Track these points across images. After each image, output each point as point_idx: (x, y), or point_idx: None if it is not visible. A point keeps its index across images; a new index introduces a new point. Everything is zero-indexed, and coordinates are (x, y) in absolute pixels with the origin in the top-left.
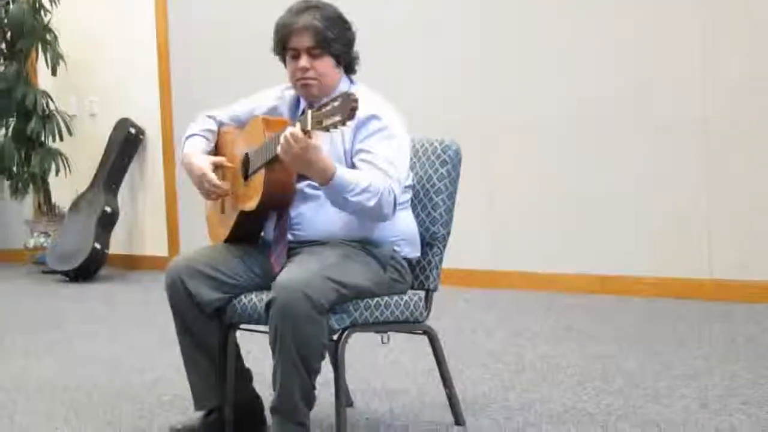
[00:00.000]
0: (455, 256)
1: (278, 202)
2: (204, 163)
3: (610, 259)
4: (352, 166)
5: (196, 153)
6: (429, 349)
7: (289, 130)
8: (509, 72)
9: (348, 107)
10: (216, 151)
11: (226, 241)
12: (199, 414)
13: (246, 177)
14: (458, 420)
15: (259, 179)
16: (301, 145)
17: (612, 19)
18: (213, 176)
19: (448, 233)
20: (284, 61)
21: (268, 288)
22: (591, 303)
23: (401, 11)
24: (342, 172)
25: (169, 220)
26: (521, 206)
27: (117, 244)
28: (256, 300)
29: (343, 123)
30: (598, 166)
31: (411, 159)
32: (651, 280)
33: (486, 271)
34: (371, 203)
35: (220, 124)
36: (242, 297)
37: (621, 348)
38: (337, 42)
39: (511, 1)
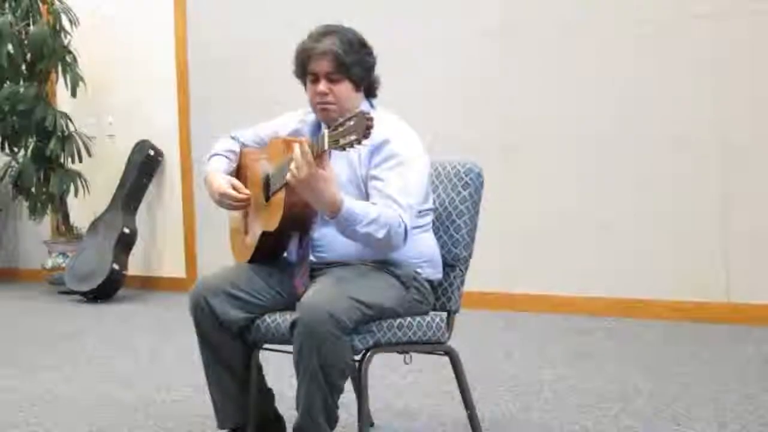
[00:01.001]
0: (473, 277)
1: (299, 222)
2: (224, 182)
3: (628, 283)
4: (367, 192)
5: (218, 173)
6: (448, 370)
7: (297, 152)
8: (528, 91)
9: (363, 126)
10: (238, 171)
11: (250, 261)
12: None
13: (267, 198)
14: None
15: (279, 200)
16: (308, 171)
17: (629, 38)
18: (233, 192)
19: (470, 255)
20: (305, 84)
21: (291, 308)
22: (609, 326)
23: (419, 30)
24: (350, 204)
25: (187, 242)
26: (540, 228)
27: (135, 265)
28: (279, 320)
29: (359, 141)
30: (618, 187)
31: (433, 182)
32: (669, 304)
33: (504, 294)
34: (380, 235)
35: (243, 146)
36: (266, 317)
37: (639, 370)
38: (356, 66)
39: (530, 19)
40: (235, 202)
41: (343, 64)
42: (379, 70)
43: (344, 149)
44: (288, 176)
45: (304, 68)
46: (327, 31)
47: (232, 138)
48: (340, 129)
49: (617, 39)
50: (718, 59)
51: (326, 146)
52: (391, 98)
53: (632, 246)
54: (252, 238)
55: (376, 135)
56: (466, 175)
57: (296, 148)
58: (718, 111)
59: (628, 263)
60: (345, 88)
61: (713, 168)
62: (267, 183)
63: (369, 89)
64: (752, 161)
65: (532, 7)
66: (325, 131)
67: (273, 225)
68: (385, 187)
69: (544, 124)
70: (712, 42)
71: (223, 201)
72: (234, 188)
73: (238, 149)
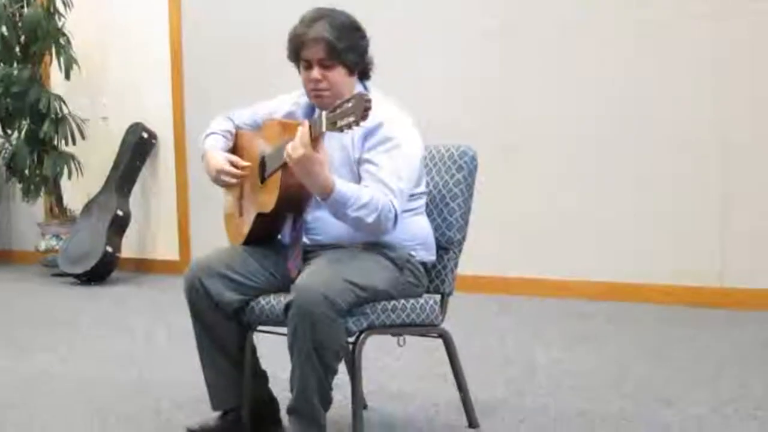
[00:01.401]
0: (468, 261)
1: (294, 204)
2: (221, 158)
3: (622, 267)
4: (360, 174)
5: (215, 150)
6: (441, 353)
7: (298, 135)
8: (527, 80)
9: (361, 107)
10: (233, 152)
11: (244, 243)
12: (216, 414)
13: (262, 180)
14: (472, 423)
15: (275, 182)
16: (304, 152)
17: (630, 36)
18: (230, 168)
19: (464, 238)
20: (299, 68)
21: (286, 290)
22: (603, 310)
23: (418, 14)
24: (341, 187)
25: (180, 224)
26: (535, 212)
27: (128, 248)
28: (274, 302)
29: (357, 123)
30: (614, 173)
31: (427, 165)
32: (663, 288)
33: (498, 277)
34: (370, 219)
35: (238, 127)
36: (260, 299)
37: (633, 354)
38: (349, 52)
39: (530, 19)
40: (232, 177)
41: (335, 50)
42: (378, 70)
43: (342, 131)
44: (284, 156)
45: (297, 54)
46: (318, 16)
47: (228, 119)
48: (338, 111)
49: (617, 39)
50: (718, 59)
51: (324, 128)
52: (388, 84)
53: (628, 231)
54: (247, 220)
55: (370, 118)
56: (460, 158)
57: (299, 129)
58: (718, 111)
59: (623, 248)
60: (338, 74)
61: (713, 167)
62: (262, 165)
63: (363, 72)
64: (752, 161)
65: (532, 7)
66: (323, 113)
67: (269, 206)
68: (378, 171)
69: (544, 121)
70: (712, 42)
71: (220, 177)
72: (231, 164)
73: (234, 129)
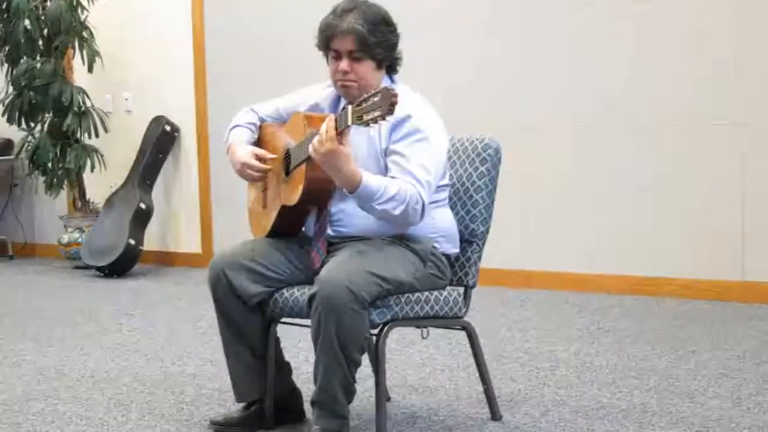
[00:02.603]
0: (490, 255)
1: (319, 197)
2: (246, 152)
3: (643, 261)
4: (386, 165)
5: (241, 143)
6: (463, 346)
7: (323, 129)
8: (546, 69)
9: (388, 102)
10: (258, 144)
11: (268, 235)
12: (239, 406)
13: (287, 172)
14: (494, 415)
15: (300, 174)
16: (330, 146)
17: (648, 21)
18: (255, 162)
19: (487, 230)
20: (327, 58)
21: (309, 282)
22: (624, 304)
23: (439, 10)
24: (369, 181)
25: (202, 217)
26: (556, 206)
27: (151, 241)
28: (297, 294)
29: (383, 117)
30: (635, 166)
31: (450, 157)
32: (684, 282)
33: (519, 271)
34: (397, 211)
35: (262, 119)
36: (284, 291)
37: (654, 347)
38: (379, 46)
39: (548, 3)
40: (257, 172)
41: (365, 43)
42: (399, 49)
43: (368, 125)
44: (310, 150)
45: (326, 44)
46: (351, 7)
47: (252, 111)
48: (365, 105)
49: (636, 19)
50: (738, 38)
51: (350, 121)
52: (409, 78)
53: (649, 224)
54: (271, 213)
55: (398, 110)
56: (483, 151)
57: (324, 124)
58: (739, 104)
59: (644, 242)
60: (367, 67)
61: (734, 161)
62: (287, 157)
63: (391, 66)
64: None
65: None
66: (349, 107)
67: (293, 199)
68: (405, 163)
69: (563, 104)
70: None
71: (244, 171)
72: (257, 158)
73: (258, 122)
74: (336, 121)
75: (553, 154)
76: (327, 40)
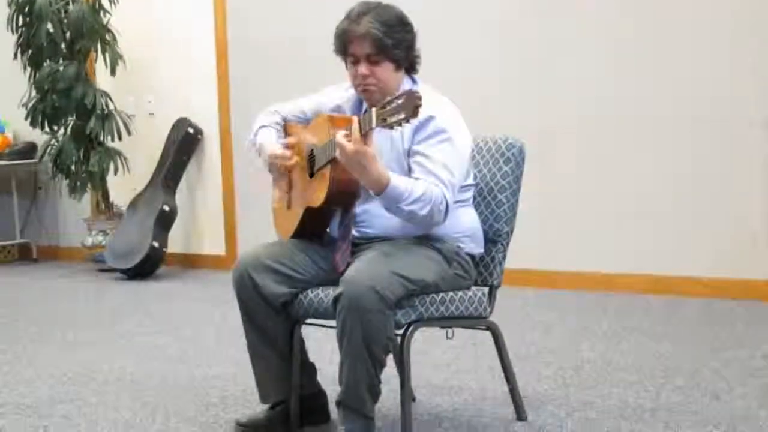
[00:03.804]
0: (513, 255)
1: (343, 198)
2: (275, 146)
3: (666, 260)
4: (410, 166)
5: (271, 143)
6: (488, 346)
7: (344, 132)
8: (566, 71)
9: (412, 105)
10: None
11: (293, 236)
12: (264, 407)
13: (311, 174)
14: (520, 415)
15: (324, 176)
16: (356, 147)
17: (669, 20)
18: (282, 151)
19: (512, 230)
20: (346, 62)
21: (334, 283)
22: (648, 303)
23: (457, 11)
24: (396, 182)
25: (226, 219)
26: (579, 206)
27: (175, 243)
28: (322, 295)
29: (407, 120)
30: (656, 166)
31: (474, 157)
32: (708, 282)
33: (543, 271)
34: (423, 212)
35: (285, 119)
36: (308, 292)
37: (679, 347)
38: (396, 47)
39: (567, 3)
40: (284, 160)
41: (383, 45)
42: (421, 48)
43: (392, 127)
44: (337, 152)
45: (344, 49)
46: (366, 10)
47: (275, 111)
48: (389, 107)
49: (655, 18)
50: (760, 38)
51: (374, 124)
52: (428, 79)
53: (671, 224)
54: (296, 214)
55: (421, 111)
56: (507, 150)
57: (352, 125)
58: (757, 91)
59: (667, 241)
60: (386, 69)
61: (753, 147)
62: (311, 158)
63: (410, 66)
64: None
65: None
66: (373, 109)
67: (318, 200)
68: (429, 164)
69: (582, 105)
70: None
71: (274, 163)
72: (287, 146)
73: (282, 122)
74: (360, 123)
75: (574, 154)
76: (344, 45)
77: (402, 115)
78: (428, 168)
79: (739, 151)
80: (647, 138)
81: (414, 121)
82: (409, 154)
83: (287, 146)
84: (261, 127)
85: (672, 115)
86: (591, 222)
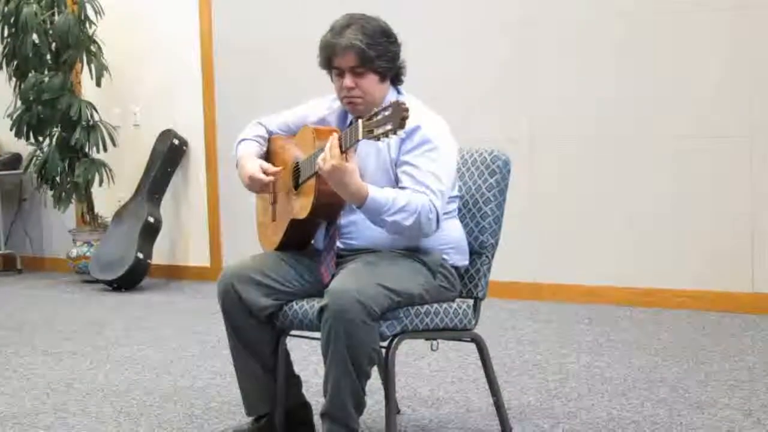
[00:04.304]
0: (498, 267)
1: (329, 210)
2: (254, 165)
3: (651, 272)
4: (396, 176)
5: (249, 156)
6: (472, 358)
7: (327, 147)
8: (551, 81)
9: (399, 116)
10: (267, 157)
11: (277, 249)
12: (249, 419)
13: (296, 186)
14: (504, 428)
15: (309, 188)
16: (335, 163)
17: (670, 33)
18: (261, 176)
19: (497, 242)
20: (331, 76)
21: (319, 295)
22: (633, 315)
23: (438, 24)
24: (375, 194)
25: (211, 231)
26: (564, 219)
27: (160, 255)
28: (307, 306)
29: (394, 132)
30: (641, 179)
31: (460, 169)
32: (693, 293)
33: (528, 283)
34: (408, 222)
35: (270, 132)
36: (294, 304)
37: (664, 359)
38: (380, 59)
39: (549, 13)
40: (264, 185)
41: (367, 57)
42: (405, 60)
43: (378, 139)
44: (317, 166)
45: (328, 62)
46: (349, 23)
47: (260, 124)
48: (375, 119)
49: (656, 32)
50: (749, 52)
51: (360, 135)
52: (410, 89)
53: (656, 236)
54: (280, 226)
55: (407, 122)
56: (492, 162)
57: (329, 141)
58: (751, 112)
59: (655, 253)
60: (371, 81)
61: (739, 159)
62: (296, 171)
63: (395, 77)
64: None
65: (550, 2)
66: (360, 121)
67: (303, 212)
68: (418, 174)
69: (566, 117)
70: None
71: (252, 185)
72: (263, 171)
73: (266, 135)
74: (341, 139)
75: (561, 166)
76: (328, 59)
77: (389, 127)
78: (417, 178)
79: (724, 163)
80: (632, 152)
81: (401, 134)
82: (397, 164)
83: (264, 171)
84: (242, 141)
85: (655, 129)
86: (575, 234)
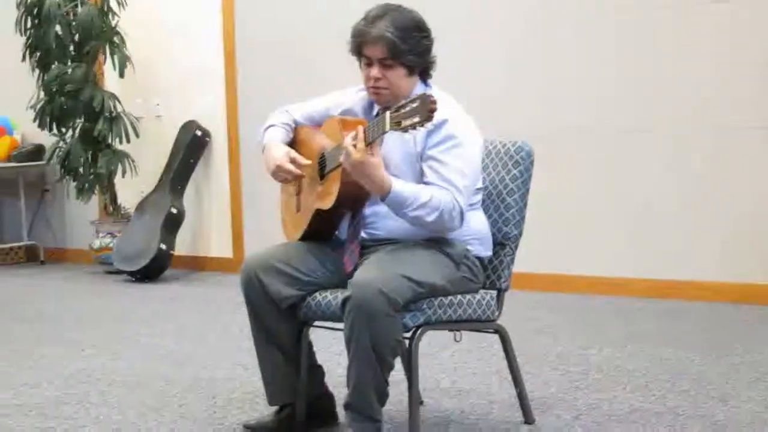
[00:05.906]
0: (521, 259)
1: (353, 201)
2: (282, 153)
3: (673, 264)
4: (421, 169)
5: (276, 143)
6: (495, 349)
7: (350, 141)
8: (571, 73)
9: (426, 109)
10: (292, 145)
11: (301, 238)
12: (272, 410)
13: (322, 176)
14: (527, 419)
15: (334, 178)
16: (359, 157)
17: (682, 27)
18: (289, 166)
19: (520, 233)
20: (360, 63)
21: (342, 285)
22: (656, 307)
23: (466, 13)
24: (399, 188)
25: (233, 222)
26: (587, 210)
27: (182, 246)
28: (330, 297)
29: (422, 124)
30: (662, 171)
31: (483, 160)
32: (714, 285)
33: (551, 275)
34: (430, 218)
35: (295, 121)
36: (317, 294)
37: (686, 351)
38: (410, 53)
39: (556, 6)
40: (290, 175)
41: (396, 50)
42: (433, 54)
43: (405, 131)
44: (341, 159)
45: (358, 50)
46: (382, 14)
47: (286, 111)
48: (403, 111)
49: (671, 26)
50: (751, 47)
51: (387, 127)
52: (435, 82)
53: (679, 228)
54: (305, 216)
55: (434, 116)
56: (516, 153)
57: (350, 135)
58: (762, 96)
59: (675, 245)
60: (398, 74)
61: (758, 151)
62: (322, 161)
63: (424, 71)
64: None
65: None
66: (387, 112)
67: (328, 203)
68: (443, 169)
69: (588, 108)
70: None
71: (278, 173)
72: (292, 161)
73: (293, 123)
74: (366, 132)
75: (583, 158)
76: (359, 47)
77: (416, 119)
78: (441, 173)
79: (744, 155)
80: (652, 142)
81: (428, 126)
82: (422, 158)
83: (292, 161)
84: (269, 127)
85: (675, 119)
86: (598, 226)
